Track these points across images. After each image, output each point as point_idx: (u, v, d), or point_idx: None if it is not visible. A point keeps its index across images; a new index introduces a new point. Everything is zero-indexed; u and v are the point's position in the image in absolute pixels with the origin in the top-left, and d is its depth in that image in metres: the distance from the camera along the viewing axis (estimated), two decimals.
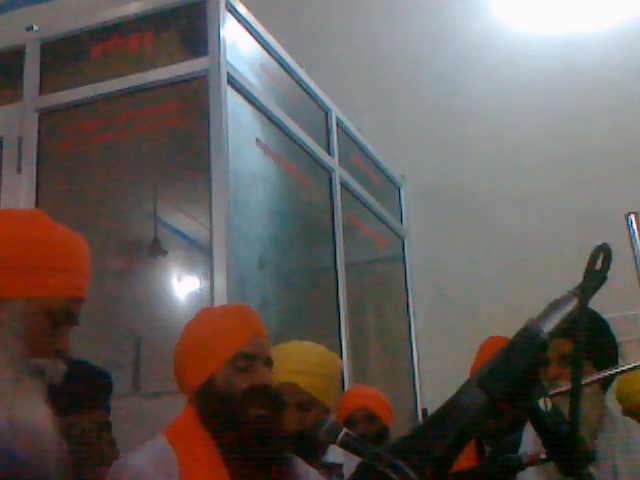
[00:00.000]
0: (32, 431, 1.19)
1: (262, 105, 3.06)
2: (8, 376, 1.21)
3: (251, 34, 3.15)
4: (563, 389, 1.13)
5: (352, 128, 4.15)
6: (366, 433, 2.54)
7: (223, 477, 1.56)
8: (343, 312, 3.53)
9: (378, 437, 2.58)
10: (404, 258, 4.70)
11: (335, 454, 2.04)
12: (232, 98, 2.83)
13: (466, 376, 0.87)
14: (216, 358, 1.65)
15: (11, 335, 1.24)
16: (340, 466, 2.03)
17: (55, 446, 1.23)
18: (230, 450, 1.59)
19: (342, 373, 3.22)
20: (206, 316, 1.80)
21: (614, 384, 2.64)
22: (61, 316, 1.32)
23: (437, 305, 4.59)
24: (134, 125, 2.92)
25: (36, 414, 1.22)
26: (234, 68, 2.88)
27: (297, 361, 2.09)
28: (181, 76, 2.89)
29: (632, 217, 2.28)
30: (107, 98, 2.98)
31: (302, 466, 1.78)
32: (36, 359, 1.26)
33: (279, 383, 1.99)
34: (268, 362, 1.71)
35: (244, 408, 1.61)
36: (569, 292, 0.87)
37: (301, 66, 3.56)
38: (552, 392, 0.92)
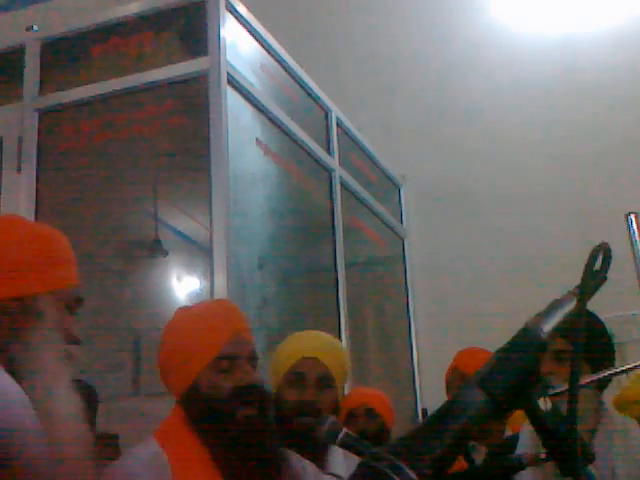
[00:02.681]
0: (67, 418, 1.27)
1: (262, 105, 3.06)
2: (54, 365, 1.30)
3: (251, 34, 3.15)
4: (562, 389, 1.13)
5: (352, 128, 4.15)
6: (366, 429, 2.54)
7: (214, 477, 1.56)
8: (343, 312, 3.53)
9: (378, 434, 2.58)
10: (404, 258, 4.70)
11: (337, 464, 2.01)
12: (232, 98, 2.83)
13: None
14: (197, 362, 1.63)
15: (52, 327, 1.32)
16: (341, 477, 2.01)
17: (85, 432, 1.31)
18: (219, 451, 1.58)
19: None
20: (183, 318, 1.74)
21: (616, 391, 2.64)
22: (75, 304, 1.40)
23: (437, 305, 4.59)
24: (134, 125, 2.92)
25: (72, 402, 1.30)
26: (234, 68, 2.88)
27: (318, 341, 2.13)
28: (181, 76, 2.89)
29: (632, 217, 2.28)
30: (107, 98, 2.98)
31: (298, 462, 1.76)
32: (66, 346, 1.36)
33: (301, 358, 2.04)
34: (251, 359, 1.67)
35: (231, 410, 1.60)
36: (569, 292, 0.87)
37: (301, 66, 3.56)
38: (552, 392, 0.92)
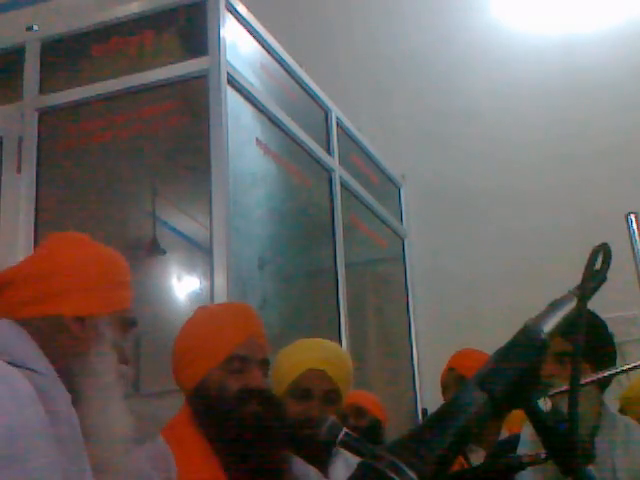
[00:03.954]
0: (115, 440, 1.32)
1: (262, 105, 3.06)
2: (110, 386, 1.34)
3: (251, 34, 3.15)
4: (562, 389, 1.13)
5: (352, 128, 4.15)
6: (358, 426, 2.59)
7: (219, 476, 1.56)
8: (343, 312, 3.52)
9: (371, 430, 2.64)
10: (404, 258, 4.70)
11: (338, 474, 2.00)
12: (232, 98, 2.83)
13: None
14: (210, 359, 1.65)
15: (110, 348, 1.36)
16: None
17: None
18: (224, 449, 1.59)
19: None
20: (202, 315, 1.78)
21: (622, 389, 2.64)
22: (130, 326, 1.44)
23: (437, 305, 4.59)
24: (134, 125, 2.92)
25: (123, 423, 1.34)
26: (234, 68, 2.88)
27: (325, 351, 2.06)
28: (181, 76, 2.89)
29: (632, 217, 2.28)
30: (107, 98, 2.98)
31: (301, 466, 1.76)
32: (121, 365, 1.40)
33: (306, 370, 1.98)
34: (263, 364, 1.69)
35: (237, 408, 1.60)
36: (569, 292, 0.87)
37: (301, 66, 3.56)
38: (552, 392, 0.92)
